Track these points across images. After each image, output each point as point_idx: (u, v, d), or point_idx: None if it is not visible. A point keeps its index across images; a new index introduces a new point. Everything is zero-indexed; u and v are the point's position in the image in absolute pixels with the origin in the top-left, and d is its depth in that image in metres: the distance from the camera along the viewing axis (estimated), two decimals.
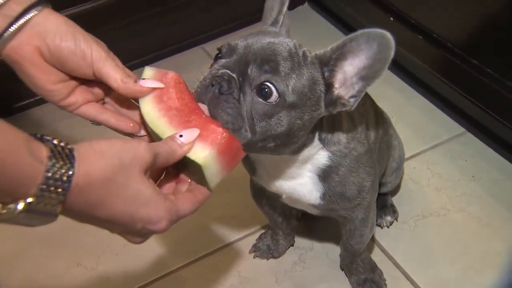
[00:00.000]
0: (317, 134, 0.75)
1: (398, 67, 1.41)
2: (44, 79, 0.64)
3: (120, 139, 0.55)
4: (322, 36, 1.52)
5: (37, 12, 0.62)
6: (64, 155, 0.49)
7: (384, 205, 1.11)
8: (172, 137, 0.59)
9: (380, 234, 1.09)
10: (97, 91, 0.68)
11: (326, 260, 1.06)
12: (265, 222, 1.11)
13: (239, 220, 1.14)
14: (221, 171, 0.61)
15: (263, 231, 1.10)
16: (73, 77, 0.65)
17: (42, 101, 1.38)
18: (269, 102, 0.65)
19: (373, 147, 0.86)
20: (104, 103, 0.70)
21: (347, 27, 1.56)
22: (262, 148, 0.68)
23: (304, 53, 0.68)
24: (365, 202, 0.85)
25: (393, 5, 1.33)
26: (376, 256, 1.05)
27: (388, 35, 0.63)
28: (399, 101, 1.35)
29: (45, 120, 1.40)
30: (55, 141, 0.50)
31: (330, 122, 0.76)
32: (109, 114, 0.68)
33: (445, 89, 1.26)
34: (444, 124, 1.30)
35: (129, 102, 0.68)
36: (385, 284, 1.01)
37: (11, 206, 0.47)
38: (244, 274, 1.04)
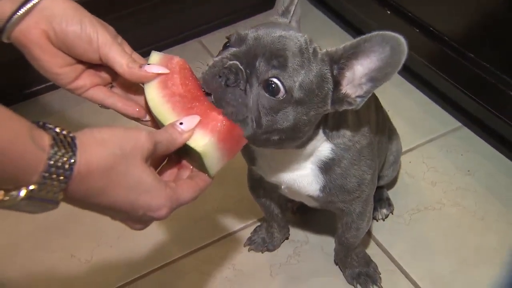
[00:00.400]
0: (321, 128, 0.75)
1: None
2: (51, 62, 0.64)
3: (122, 128, 0.55)
4: (320, 31, 1.51)
5: None
6: (66, 143, 0.50)
7: (380, 198, 1.11)
8: (172, 125, 0.60)
9: (375, 228, 1.09)
10: (105, 75, 0.69)
11: (321, 254, 1.06)
12: (260, 215, 1.10)
13: (234, 213, 1.13)
14: (221, 158, 0.61)
15: (258, 224, 1.10)
16: (80, 61, 0.66)
17: (52, 87, 1.40)
18: (276, 98, 0.65)
19: (373, 140, 0.86)
20: (112, 86, 0.70)
21: (344, 21, 1.56)
22: (266, 140, 0.68)
23: (314, 49, 0.68)
24: (364, 195, 0.85)
25: None
26: (371, 249, 1.06)
27: (402, 39, 0.63)
28: (395, 95, 1.35)
29: (55, 106, 1.40)
30: (57, 129, 0.51)
31: (335, 116, 0.76)
32: (116, 98, 0.68)
33: (441, 83, 1.26)
34: (440, 118, 1.30)
35: (136, 87, 0.69)
36: (380, 278, 1.01)
37: (14, 193, 0.48)
38: (238, 267, 1.04)
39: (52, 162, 0.48)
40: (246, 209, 1.13)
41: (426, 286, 1.00)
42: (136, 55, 0.69)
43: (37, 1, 0.62)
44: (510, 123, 1.10)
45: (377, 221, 1.10)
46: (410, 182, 1.17)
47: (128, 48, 0.69)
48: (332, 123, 0.76)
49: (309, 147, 0.76)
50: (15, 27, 0.62)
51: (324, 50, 0.69)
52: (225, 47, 0.70)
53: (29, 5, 0.62)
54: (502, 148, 1.21)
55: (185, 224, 1.10)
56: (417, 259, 1.04)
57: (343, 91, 0.69)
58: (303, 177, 0.80)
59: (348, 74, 0.68)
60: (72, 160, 0.49)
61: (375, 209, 1.09)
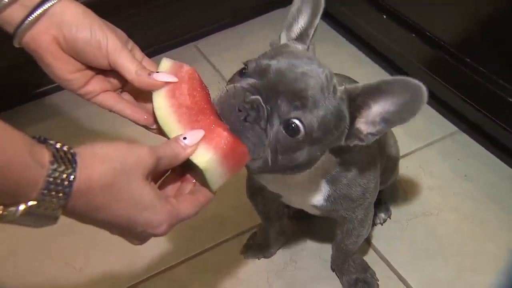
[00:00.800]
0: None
1: (391, 65, 1.41)
2: (61, 68, 0.65)
3: (124, 143, 0.55)
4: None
5: (55, 1, 0.63)
6: (66, 160, 0.50)
7: (378, 203, 1.10)
8: (176, 139, 0.59)
9: (373, 234, 1.09)
10: (114, 80, 0.69)
11: (318, 260, 1.05)
12: (256, 222, 1.10)
13: (231, 220, 1.13)
14: (224, 174, 0.61)
15: (254, 231, 1.09)
16: (90, 67, 0.66)
17: (58, 88, 1.39)
18: (296, 138, 0.63)
19: (376, 146, 0.86)
20: (122, 92, 0.70)
21: (340, 25, 1.55)
22: (276, 171, 0.68)
23: (334, 86, 0.66)
24: (367, 202, 0.85)
25: (387, 3, 1.32)
26: (368, 255, 1.05)
27: (424, 88, 0.62)
28: None
29: (61, 107, 1.40)
30: (58, 145, 0.51)
31: None
32: (124, 104, 0.68)
33: (438, 88, 1.25)
34: (437, 123, 1.30)
35: (146, 93, 0.68)
36: (377, 284, 1.00)
37: (12, 209, 0.48)
38: (235, 274, 1.04)
39: (51, 179, 0.48)
40: (243, 216, 1.12)
41: None
42: (147, 61, 0.69)
43: (47, 7, 0.62)
44: (507, 128, 1.10)
45: (375, 225, 1.09)
46: (407, 187, 1.17)
47: (139, 54, 0.69)
48: None
49: (317, 165, 0.74)
50: (26, 33, 0.63)
51: (343, 86, 0.67)
52: (242, 73, 0.67)
53: (39, 11, 0.62)
54: (499, 153, 1.21)
55: (181, 231, 1.09)
56: (415, 265, 1.03)
57: (356, 126, 0.68)
58: (308, 188, 0.79)
59: (363, 112, 0.67)
60: (72, 177, 0.49)
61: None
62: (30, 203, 0.48)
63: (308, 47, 0.72)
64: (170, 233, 0.98)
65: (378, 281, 1.01)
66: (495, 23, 1.09)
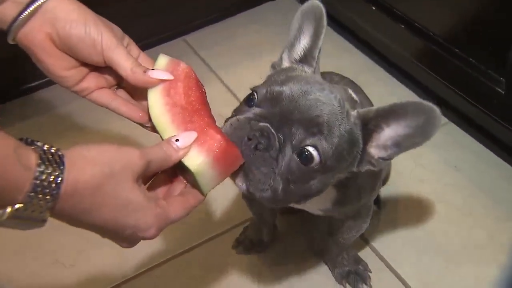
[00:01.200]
0: None
1: (381, 56, 1.40)
2: (56, 65, 0.64)
3: (114, 146, 0.54)
4: None
5: None
6: (53, 162, 0.49)
7: None
8: (168, 141, 0.59)
9: None
10: (110, 77, 0.68)
11: (309, 254, 1.05)
12: (247, 216, 1.09)
13: (222, 215, 1.12)
14: (215, 177, 0.60)
15: (245, 225, 1.09)
16: (85, 64, 0.65)
17: (49, 83, 1.39)
18: (309, 167, 0.62)
19: None
20: (118, 88, 0.70)
21: (329, 17, 1.55)
22: (288, 202, 0.66)
23: (347, 112, 0.65)
24: (371, 202, 0.86)
25: None
26: (360, 248, 1.05)
27: (438, 112, 0.61)
28: (381, 91, 1.34)
29: (52, 102, 1.39)
30: (45, 147, 0.50)
31: None
32: (119, 101, 0.68)
33: (427, 78, 1.25)
34: None
35: (141, 90, 0.67)
36: (369, 276, 1.00)
37: None
38: (226, 269, 1.03)
39: (38, 182, 0.48)
40: (234, 211, 1.12)
41: (414, 283, 0.99)
42: (143, 57, 0.68)
43: (39, 3, 0.61)
44: (496, 119, 1.10)
45: None
46: (398, 179, 1.17)
47: (135, 50, 0.68)
48: None
49: None
50: (19, 29, 0.62)
51: (355, 111, 0.66)
52: (249, 100, 0.65)
53: (31, 8, 0.61)
54: (489, 144, 1.22)
55: (170, 227, 1.08)
56: (406, 256, 1.03)
57: (368, 150, 0.67)
58: None
59: (375, 135, 0.66)
60: (59, 179, 0.49)
61: None
62: (17, 206, 0.47)
63: (315, 69, 0.70)
64: None
65: (371, 272, 1.01)
66: (485, 14, 1.09)
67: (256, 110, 0.64)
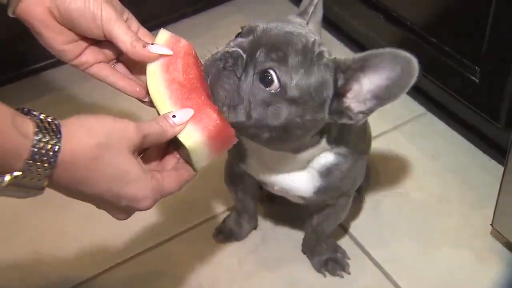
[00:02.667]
0: (325, 137, 0.74)
1: (358, 45, 1.41)
2: (55, 39, 0.65)
3: (111, 118, 0.55)
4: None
5: None
6: (50, 130, 0.50)
7: None
8: (165, 116, 0.60)
9: None
10: (109, 51, 0.69)
11: (289, 242, 1.06)
12: (228, 205, 1.10)
13: (202, 203, 1.13)
14: (209, 155, 0.61)
15: (226, 214, 1.09)
16: (85, 37, 0.66)
17: (55, 64, 1.39)
18: (269, 90, 0.64)
19: (367, 137, 0.88)
20: (117, 62, 0.70)
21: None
22: (255, 136, 0.68)
23: (320, 52, 0.66)
24: (352, 191, 0.87)
25: None
26: (338, 235, 1.06)
27: (414, 62, 0.61)
28: None
29: (58, 82, 1.39)
30: (42, 116, 0.51)
31: (340, 125, 0.74)
32: (118, 76, 0.68)
33: None
34: (404, 105, 1.31)
35: (140, 65, 0.68)
36: (348, 264, 1.02)
37: None
38: (206, 257, 1.04)
39: (36, 149, 0.49)
40: (214, 200, 1.12)
41: (391, 269, 1.01)
42: (143, 31, 0.68)
43: None
44: (472, 108, 1.12)
45: None
46: (376, 168, 1.18)
47: (135, 24, 0.68)
48: (336, 131, 0.75)
49: (308, 153, 0.75)
50: (19, 2, 0.62)
51: (333, 56, 0.67)
52: (236, 36, 0.69)
53: None
54: (465, 132, 1.23)
55: (151, 216, 1.09)
56: (383, 243, 1.05)
57: (347, 104, 0.67)
58: (299, 179, 0.80)
59: (354, 87, 0.66)
60: (57, 147, 0.50)
61: None
62: (16, 173, 0.49)
63: (308, 23, 0.74)
64: (138, 219, 0.98)
65: (349, 259, 1.02)
66: (460, 3, 1.10)
67: (236, 40, 0.68)
